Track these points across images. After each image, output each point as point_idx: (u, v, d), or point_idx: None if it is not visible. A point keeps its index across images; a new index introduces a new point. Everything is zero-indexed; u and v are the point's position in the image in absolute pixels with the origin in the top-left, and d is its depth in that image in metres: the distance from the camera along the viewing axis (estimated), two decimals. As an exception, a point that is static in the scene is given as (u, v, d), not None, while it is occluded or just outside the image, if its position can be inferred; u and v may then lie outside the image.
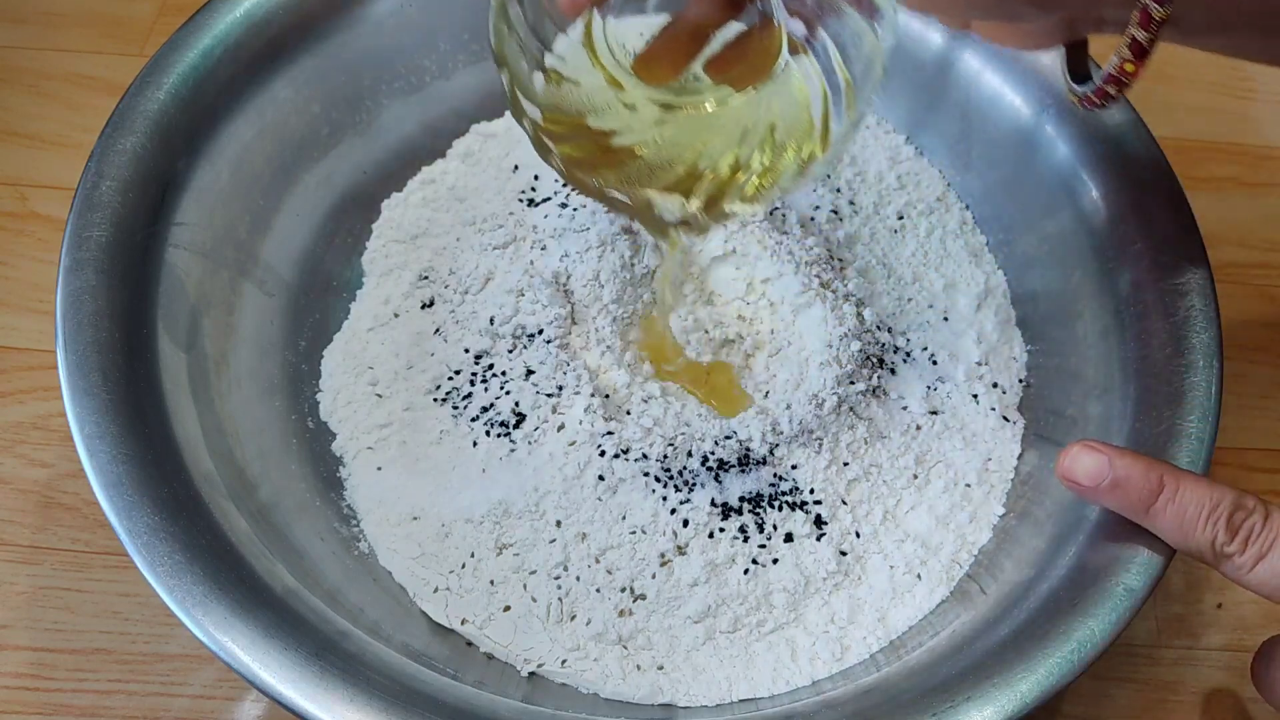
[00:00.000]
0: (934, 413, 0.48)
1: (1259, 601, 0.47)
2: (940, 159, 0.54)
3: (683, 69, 0.38)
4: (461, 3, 0.53)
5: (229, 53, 0.47)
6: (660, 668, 0.42)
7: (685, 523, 0.43)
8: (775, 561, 0.44)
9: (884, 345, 0.48)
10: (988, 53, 0.51)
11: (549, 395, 0.46)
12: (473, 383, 0.47)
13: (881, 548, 0.45)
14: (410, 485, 0.45)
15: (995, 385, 0.49)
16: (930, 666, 0.40)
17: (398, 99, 0.53)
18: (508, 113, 0.55)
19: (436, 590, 0.43)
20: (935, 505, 0.46)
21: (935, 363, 0.49)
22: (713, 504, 0.44)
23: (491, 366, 0.47)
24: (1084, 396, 0.46)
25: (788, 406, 0.46)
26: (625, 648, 0.42)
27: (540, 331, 0.47)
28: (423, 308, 0.49)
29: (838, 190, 0.52)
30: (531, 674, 0.42)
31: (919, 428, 0.47)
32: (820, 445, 0.45)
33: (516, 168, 0.53)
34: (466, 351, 0.48)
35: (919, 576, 0.44)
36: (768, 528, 0.44)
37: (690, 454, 0.44)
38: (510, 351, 0.47)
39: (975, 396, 0.48)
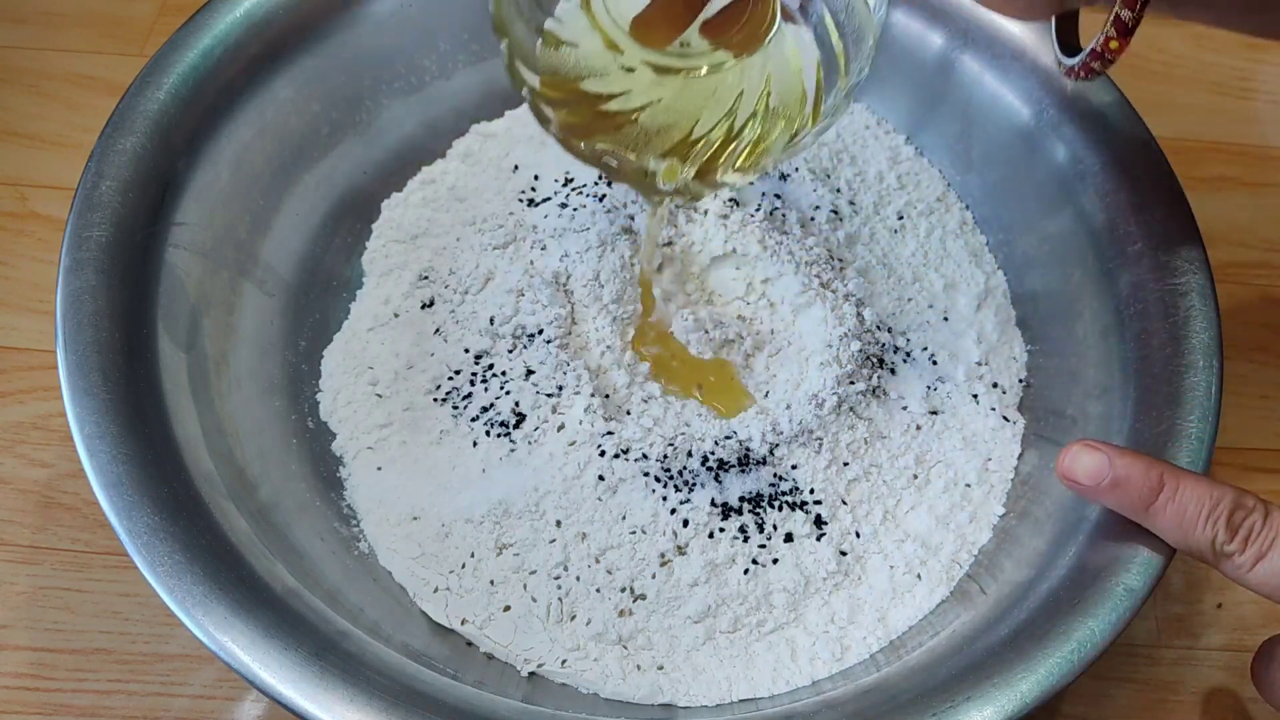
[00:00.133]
0: (934, 413, 0.48)
1: (1259, 601, 0.47)
2: (940, 159, 0.54)
3: (680, 33, 0.38)
4: (461, 3, 0.53)
5: (229, 53, 0.47)
6: (660, 668, 0.42)
7: (685, 523, 0.43)
8: (775, 561, 0.44)
9: (884, 345, 0.48)
10: (988, 53, 0.51)
11: (549, 395, 0.46)
12: (473, 383, 0.47)
13: (881, 548, 0.45)
14: (410, 485, 0.45)
15: (995, 385, 0.49)
16: (930, 666, 0.40)
17: (398, 99, 0.53)
18: (508, 113, 0.55)
19: (436, 590, 0.43)
20: (935, 505, 0.46)
21: (935, 363, 0.49)
22: (713, 504, 0.44)
23: (491, 366, 0.47)
24: (1084, 396, 0.46)
25: (788, 406, 0.46)
26: (625, 648, 0.42)
27: (540, 331, 0.47)
28: (423, 308, 0.49)
29: (838, 190, 0.52)
30: (531, 674, 0.42)
31: (919, 428, 0.47)
32: (820, 445, 0.45)
33: (516, 168, 0.53)
34: (466, 351, 0.48)
35: (919, 576, 0.44)
36: (768, 528, 0.44)
37: (690, 454, 0.44)
38: (510, 351, 0.47)
39: (975, 396, 0.48)
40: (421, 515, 0.45)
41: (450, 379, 0.47)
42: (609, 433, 0.45)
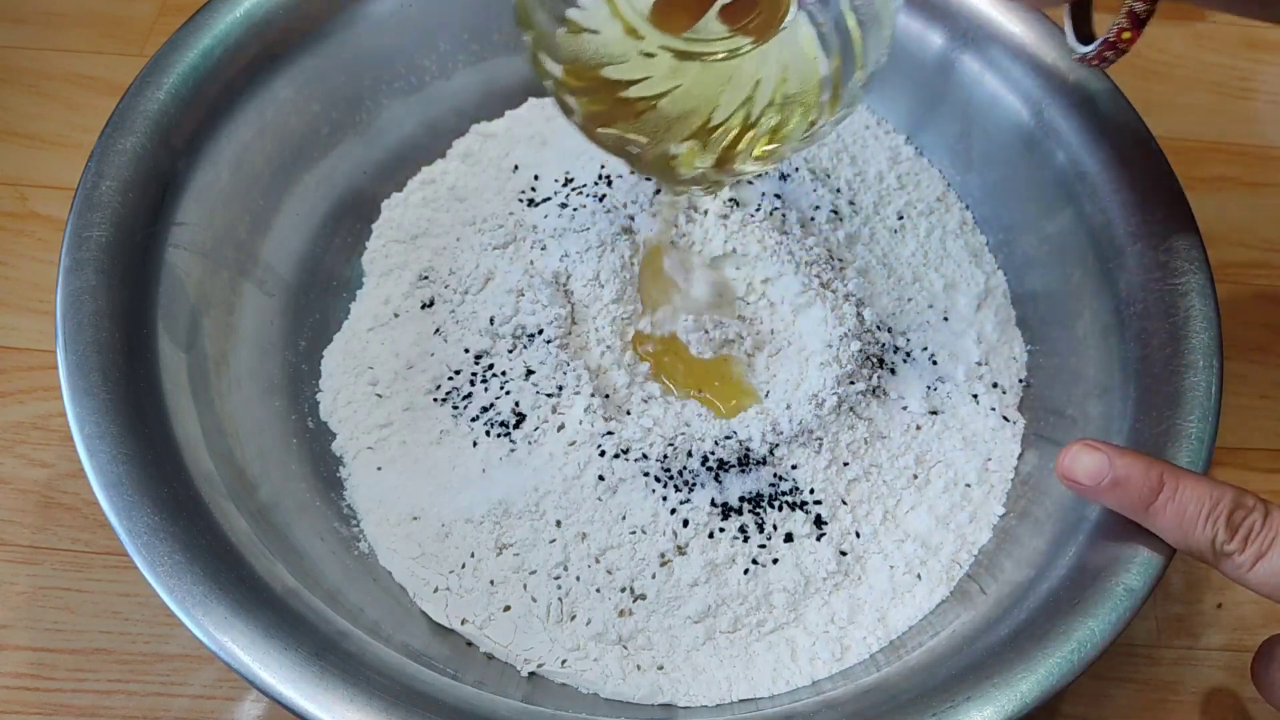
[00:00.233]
0: (934, 413, 0.48)
1: (1259, 601, 0.47)
2: (940, 159, 0.54)
3: (698, 18, 0.39)
4: (461, 3, 0.53)
5: (229, 53, 0.47)
6: (660, 668, 0.42)
7: (685, 523, 0.43)
8: (775, 561, 0.44)
9: (884, 345, 0.48)
10: (988, 53, 0.51)
11: (549, 395, 0.46)
12: (473, 383, 0.47)
13: (881, 548, 0.45)
14: (410, 485, 0.45)
15: (995, 385, 0.49)
16: (930, 666, 0.40)
17: (398, 99, 0.53)
18: (508, 113, 0.55)
19: (436, 590, 0.43)
20: (935, 505, 0.46)
21: (935, 363, 0.49)
22: (713, 504, 0.44)
23: (491, 366, 0.47)
24: (1084, 396, 0.46)
25: (788, 406, 0.46)
26: (625, 648, 0.42)
27: (540, 331, 0.47)
28: (423, 308, 0.49)
29: (838, 190, 0.52)
30: (531, 674, 0.42)
31: (919, 428, 0.47)
32: (820, 445, 0.45)
33: (516, 168, 0.53)
34: (466, 351, 0.48)
35: (919, 576, 0.44)
36: (768, 528, 0.44)
37: (690, 454, 0.44)
38: (510, 351, 0.47)
39: (975, 396, 0.48)
40: (421, 515, 0.45)
41: (450, 379, 0.47)
42: (609, 433, 0.45)
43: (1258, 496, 0.38)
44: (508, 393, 0.46)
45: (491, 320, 0.48)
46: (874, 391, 0.47)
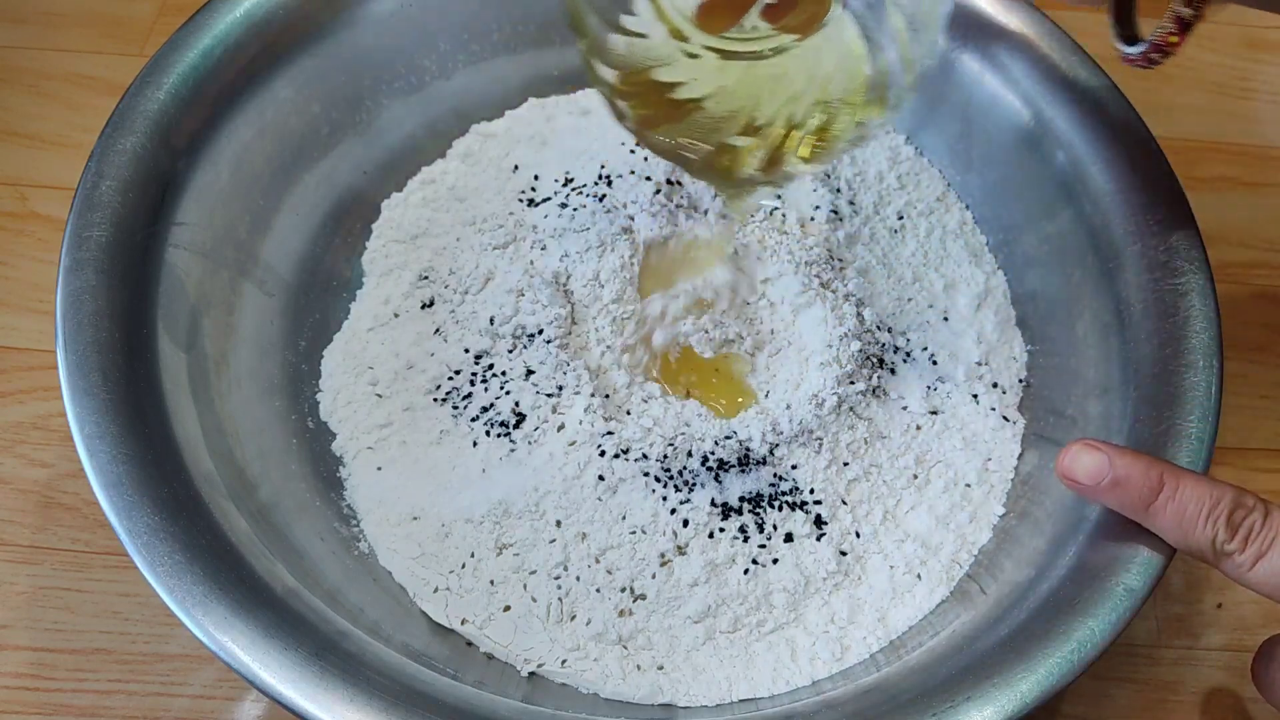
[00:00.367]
0: (934, 413, 0.47)
1: (1259, 601, 0.47)
2: (940, 159, 0.54)
3: (740, 17, 0.39)
4: (461, 3, 0.53)
5: (229, 53, 0.47)
6: (660, 668, 0.42)
7: (685, 523, 0.43)
8: (775, 561, 0.44)
9: (884, 345, 0.48)
10: (988, 53, 0.51)
11: (549, 395, 0.46)
12: (473, 383, 0.47)
13: (881, 548, 0.45)
14: (410, 485, 0.45)
15: (995, 385, 0.49)
16: (930, 666, 0.40)
17: (398, 99, 0.53)
18: (508, 113, 0.55)
19: (436, 590, 0.43)
20: (935, 505, 0.46)
21: (935, 363, 0.49)
22: (713, 504, 0.44)
23: (491, 366, 0.47)
24: (1084, 396, 0.46)
25: (788, 406, 0.46)
26: (625, 648, 0.42)
27: (540, 331, 0.47)
28: (423, 308, 0.49)
29: (838, 190, 0.52)
30: (531, 674, 0.42)
31: (919, 428, 0.47)
32: (820, 445, 0.45)
33: (516, 168, 0.53)
34: (466, 351, 0.48)
35: (919, 576, 0.44)
36: (768, 528, 0.44)
37: (690, 454, 0.44)
38: (510, 351, 0.47)
39: (975, 396, 0.48)
40: (421, 515, 0.45)
41: (450, 379, 0.47)
42: (609, 433, 0.45)
43: (1258, 496, 0.38)
44: (508, 393, 0.46)
45: (491, 320, 0.48)
46: (874, 391, 0.47)
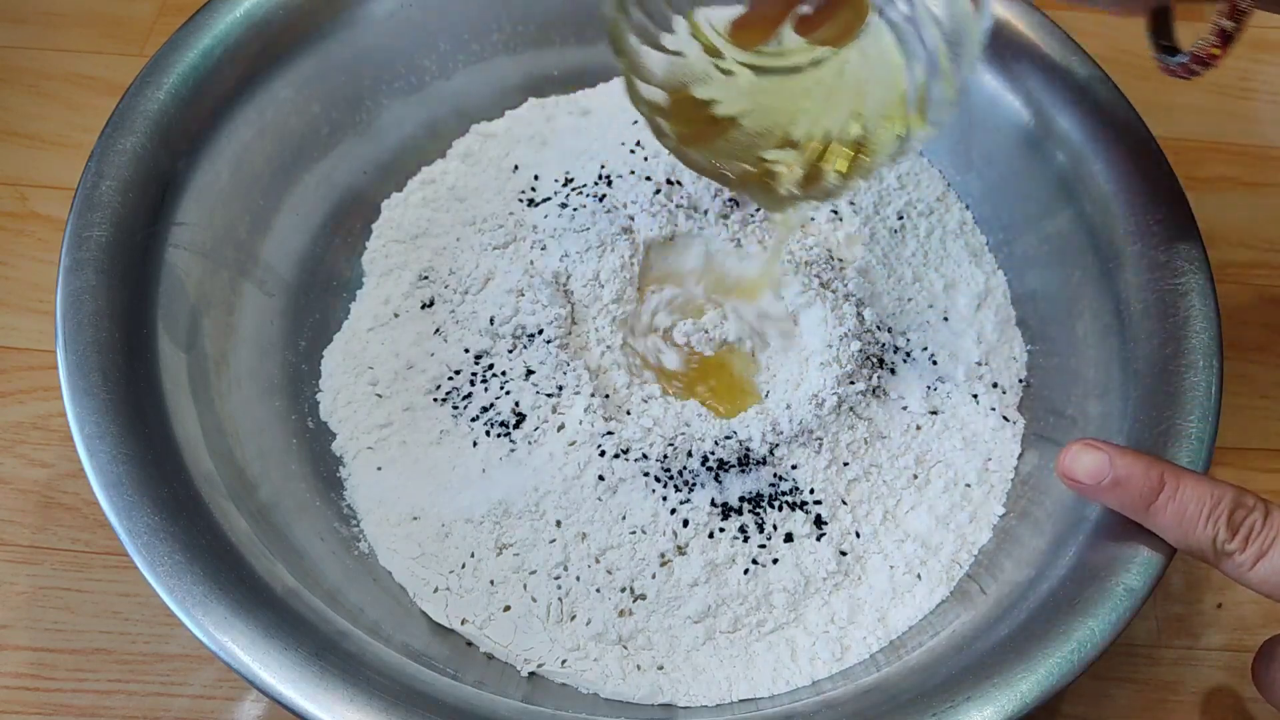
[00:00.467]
0: (934, 413, 0.47)
1: (1259, 601, 0.47)
2: (940, 159, 0.54)
3: (772, 32, 0.39)
4: (461, 3, 0.53)
5: (229, 53, 0.47)
6: (660, 668, 0.42)
7: (685, 523, 0.43)
8: (775, 561, 0.44)
9: (884, 345, 0.48)
10: (988, 53, 0.51)
11: (549, 395, 0.46)
12: (473, 383, 0.47)
13: (881, 548, 0.45)
14: (410, 485, 0.45)
15: (995, 385, 0.49)
16: (930, 666, 0.40)
17: (398, 99, 0.53)
18: (508, 113, 0.55)
19: (436, 590, 0.43)
20: (935, 505, 0.46)
21: (935, 363, 0.49)
22: (713, 504, 0.44)
23: (491, 366, 0.47)
24: (1084, 396, 0.46)
25: (788, 406, 0.46)
26: (625, 648, 0.42)
27: (540, 331, 0.47)
28: (423, 308, 0.49)
29: (838, 190, 0.52)
30: (531, 674, 0.42)
31: (919, 428, 0.47)
32: (820, 445, 0.45)
33: (516, 168, 0.53)
34: (466, 351, 0.48)
35: (919, 576, 0.44)
36: (768, 528, 0.44)
37: (690, 454, 0.44)
38: (510, 351, 0.47)
39: (975, 396, 0.48)
40: (421, 515, 0.45)
41: (450, 379, 0.47)
42: (609, 433, 0.44)
43: (1258, 496, 0.38)
44: (508, 393, 0.46)
45: (491, 320, 0.48)
46: (874, 391, 0.47)
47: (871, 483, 0.46)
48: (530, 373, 0.46)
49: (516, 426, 0.45)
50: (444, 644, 0.42)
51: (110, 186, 0.43)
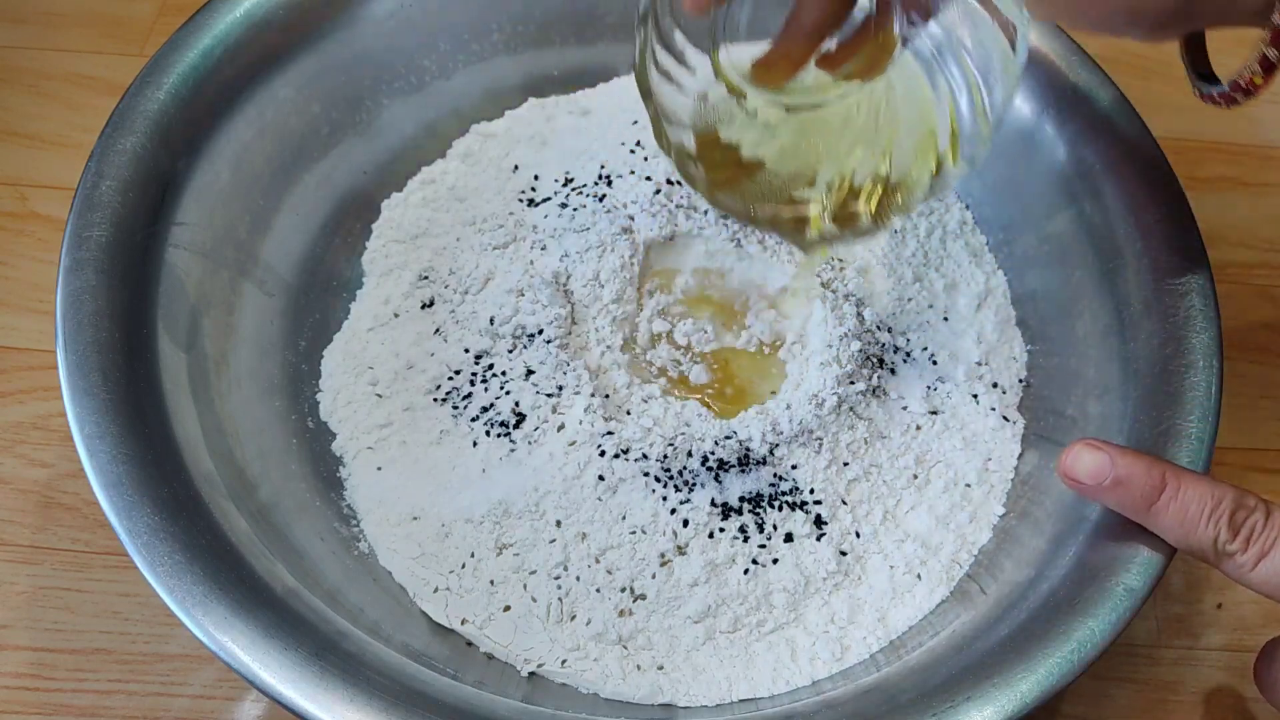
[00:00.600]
0: (934, 413, 0.47)
1: (1259, 601, 0.47)
2: (940, 159, 0.54)
3: (796, 70, 0.38)
4: (461, 3, 0.53)
5: (229, 53, 0.47)
6: (660, 668, 0.42)
7: (685, 523, 0.43)
8: (775, 561, 0.44)
9: (884, 345, 0.48)
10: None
11: (549, 395, 0.46)
12: (473, 383, 0.47)
13: (881, 548, 0.45)
14: (410, 485, 0.45)
15: (995, 385, 0.49)
16: (930, 666, 0.40)
17: (398, 99, 0.53)
18: (508, 113, 0.55)
19: (436, 590, 0.43)
20: (935, 505, 0.46)
21: (935, 363, 0.49)
22: (713, 504, 0.44)
23: (491, 366, 0.47)
24: (1084, 396, 0.46)
25: (788, 406, 0.46)
26: (625, 648, 0.42)
27: (540, 331, 0.47)
28: (423, 308, 0.49)
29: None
30: (531, 674, 0.42)
31: (919, 428, 0.47)
32: (820, 445, 0.45)
33: (516, 168, 0.53)
34: (466, 351, 0.48)
35: (919, 576, 0.44)
36: (768, 528, 0.44)
37: (690, 454, 0.44)
38: (510, 351, 0.47)
39: (975, 396, 0.48)
40: (421, 515, 0.45)
41: (450, 379, 0.47)
42: (609, 433, 0.44)
43: (1259, 497, 0.38)
44: (508, 393, 0.46)
45: (491, 320, 0.48)
46: (874, 391, 0.47)
47: (871, 483, 0.46)
48: (530, 373, 0.46)
49: (516, 426, 0.45)
50: (444, 644, 0.42)
51: (110, 186, 0.43)
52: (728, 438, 0.45)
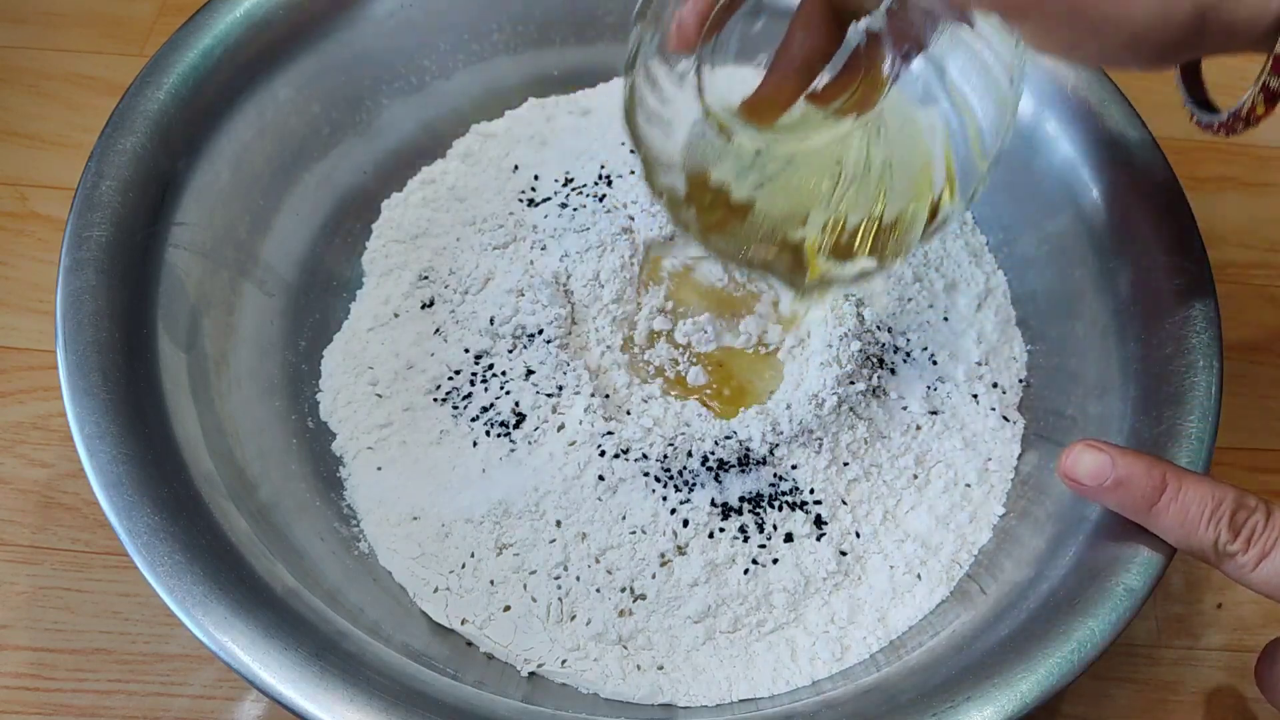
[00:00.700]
0: (934, 413, 0.47)
1: (1259, 601, 0.47)
2: (940, 159, 0.54)
3: (785, 109, 0.38)
4: (461, 3, 0.53)
5: (229, 53, 0.47)
6: (660, 668, 0.42)
7: (685, 523, 0.43)
8: (775, 561, 0.44)
9: (884, 345, 0.48)
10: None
11: (549, 395, 0.46)
12: (473, 383, 0.47)
13: (881, 548, 0.45)
14: (410, 485, 0.45)
15: (995, 385, 0.49)
16: (930, 666, 0.40)
17: (398, 99, 0.53)
18: (508, 113, 0.55)
19: (436, 590, 0.43)
20: (935, 505, 0.46)
21: (935, 363, 0.49)
22: (713, 504, 0.44)
23: (491, 366, 0.47)
24: (1084, 396, 0.46)
25: (788, 406, 0.46)
26: (625, 648, 0.42)
27: (540, 331, 0.47)
28: (423, 308, 0.49)
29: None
30: (531, 674, 0.42)
31: (919, 428, 0.47)
32: (820, 445, 0.45)
33: (516, 168, 0.53)
34: (466, 351, 0.48)
35: (919, 576, 0.44)
36: (768, 528, 0.44)
37: (690, 454, 0.44)
38: (510, 351, 0.47)
39: (975, 396, 0.48)
40: (421, 515, 0.45)
41: (450, 379, 0.47)
42: (609, 433, 0.44)
43: (1260, 497, 0.38)
44: (508, 393, 0.46)
45: (491, 320, 0.48)
46: (874, 391, 0.47)
47: (871, 483, 0.46)
48: (530, 373, 0.46)
49: (516, 426, 0.45)
50: (444, 644, 0.42)
51: (110, 186, 0.43)
52: (728, 438, 0.45)
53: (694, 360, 0.48)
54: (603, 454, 0.44)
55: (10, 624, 0.45)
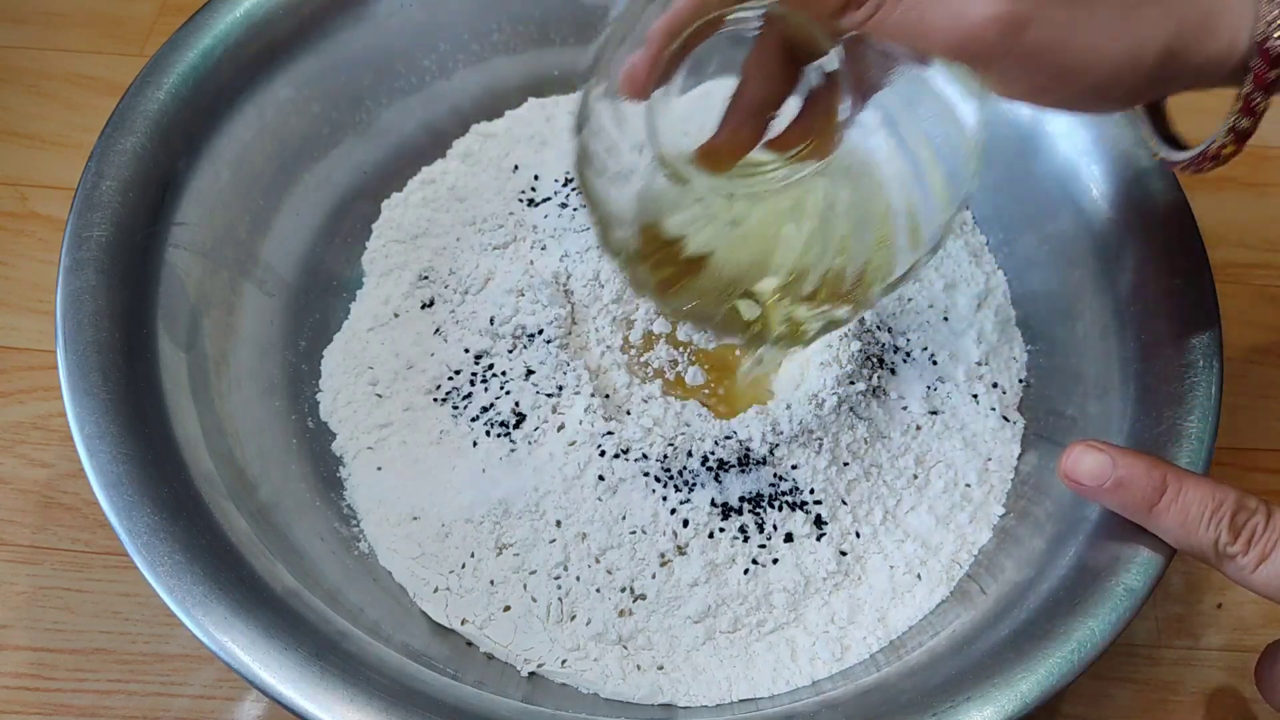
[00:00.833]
0: (934, 413, 0.47)
1: (1259, 602, 0.47)
2: (940, 159, 0.54)
3: (742, 155, 0.37)
4: (461, 3, 0.53)
5: (229, 53, 0.47)
6: (660, 668, 0.42)
7: (685, 523, 0.43)
8: (775, 561, 0.44)
9: (884, 345, 0.48)
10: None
11: (549, 395, 0.46)
12: (473, 383, 0.47)
13: (881, 548, 0.45)
14: (410, 485, 0.45)
15: (995, 385, 0.49)
16: (930, 666, 0.40)
17: (398, 99, 0.53)
18: (508, 113, 0.55)
19: (436, 590, 0.43)
20: (935, 505, 0.46)
21: (935, 363, 0.49)
22: (713, 504, 0.44)
23: (491, 366, 0.47)
24: (1084, 396, 0.46)
25: (788, 406, 0.46)
26: (625, 648, 0.42)
27: (540, 331, 0.47)
28: (423, 308, 0.49)
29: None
30: (531, 674, 0.42)
31: (919, 428, 0.47)
32: (820, 445, 0.45)
33: (516, 168, 0.53)
34: (466, 351, 0.48)
35: (919, 576, 0.44)
36: (768, 528, 0.44)
37: (690, 454, 0.44)
38: (510, 351, 0.47)
39: (975, 396, 0.48)
40: (421, 515, 0.45)
41: (450, 379, 0.47)
42: (609, 433, 0.45)
43: (1260, 498, 0.38)
44: (508, 393, 0.46)
45: (491, 320, 0.48)
46: (874, 391, 0.47)
47: (872, 483, 0.46)
48: (530, 373, 0.46)
49: (516, 426, 0.46)
50: (444, 644, 0.42)
51: (110, 186, 0.43)
52: (728, 438, 0.45)
53: (694, 360, 0.48)
54: (603, 454, 0.44)
55: (10, 624, 0.45)
